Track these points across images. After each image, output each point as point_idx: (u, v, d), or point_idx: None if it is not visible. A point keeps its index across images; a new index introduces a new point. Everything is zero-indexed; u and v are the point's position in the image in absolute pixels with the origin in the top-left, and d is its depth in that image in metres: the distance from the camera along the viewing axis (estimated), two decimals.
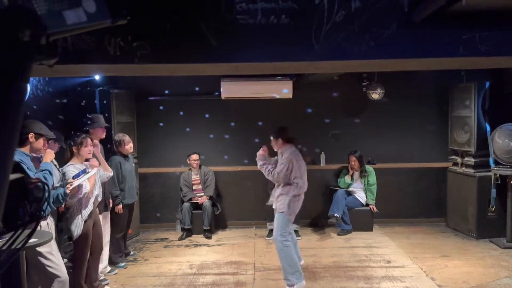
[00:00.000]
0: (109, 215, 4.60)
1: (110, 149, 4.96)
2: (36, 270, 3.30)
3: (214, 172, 6.28)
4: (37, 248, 3.09)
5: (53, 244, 3.30)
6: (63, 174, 3.70)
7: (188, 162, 6.13)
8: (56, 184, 3.55)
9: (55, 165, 3.45)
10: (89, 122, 4.46)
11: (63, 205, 3.78)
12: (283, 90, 5.80)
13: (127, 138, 4.91)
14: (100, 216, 4.32)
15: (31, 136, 3.17)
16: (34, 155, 3.31)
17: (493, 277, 4.41)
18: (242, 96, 5.91)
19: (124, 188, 4.81)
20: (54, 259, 3.30)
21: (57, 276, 3.28)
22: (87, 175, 3.78)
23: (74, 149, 3.83)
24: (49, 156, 3.32)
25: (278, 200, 4.20)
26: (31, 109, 4.46)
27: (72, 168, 3.73)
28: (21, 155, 3.12)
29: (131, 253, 5.31)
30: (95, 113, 5.12)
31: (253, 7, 1.94)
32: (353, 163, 6.09)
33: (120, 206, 4.71)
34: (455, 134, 5.93)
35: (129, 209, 4.96)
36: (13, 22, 0.95)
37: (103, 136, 4.53)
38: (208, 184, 6.14)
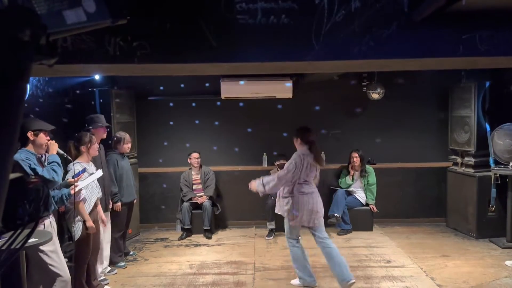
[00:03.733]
0: (109, 215, 4.60)
1: (109, 146, 4.97)
2: (38, 269, 3.29)
3: (214, 172, 6.28)
4: (41, 247, 3.09)
5: (56, 243, 3.30)
6: (67, 172, 3.70)
7: (189, 161, 6.12)
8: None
9: (62, 154, 3.40)
10: (91, 121, 4.46)
11: (63, 206, 3.78)
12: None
13: (127, 137, 4.91)
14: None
15: (30, 134, 3.16)
16: (38, 155, 3.29)
17: (493, 277, 4.41)
18: (242, 96, 5.91)
19: (121, 186, 4.80)
20: (57, 259, 3.29)
21: (59, 276, 3.28)
22: (93, 177, 3.77)
23: (83, 148, 3.84)
24: (53, 147, 3.28)
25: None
26: (31, 109, 4.46)
27: (78, 166, 3.75)
28: (26, 153, 3.12)
29: (131, 252, 5.30)
30: (95, 113, 5.12)
31: (253, 7, 1.95)
32: (355, 159, 6.08)
33: (119, 204, 4.69)
34: (455, 134, 5.93)
35: (128, 207, 4.95)
36: (13, 22, 0.94)
37: (104, 136, 4.54)
38: (209, 184, 6.14)
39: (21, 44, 0.95)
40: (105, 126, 4.51)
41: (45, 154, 3.36)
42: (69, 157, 3.52)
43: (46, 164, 3.29)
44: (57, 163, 3.17)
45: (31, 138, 3.17)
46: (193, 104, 6.40)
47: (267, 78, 5.74)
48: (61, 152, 3.36)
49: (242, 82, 5.70)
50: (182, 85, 6.30)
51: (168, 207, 6.49)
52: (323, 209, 4.28)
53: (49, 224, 3.35)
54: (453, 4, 1.76)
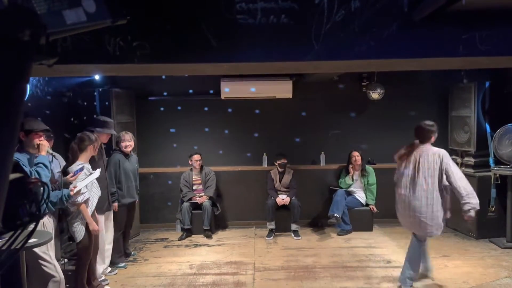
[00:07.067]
0: (111, 214, 4.59)
1: (111, 147, 4.97)
2: (30, 270, 3.26)
3: (215, 173, 6.27)
4: (33, 249, 3.07)
5: (48, 244, 3.25)
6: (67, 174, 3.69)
7: (190, 163, 6.12)
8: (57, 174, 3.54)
9: (51, 153, 3.37)
10: (98, 123, 4.43)
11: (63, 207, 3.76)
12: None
13: (126, 136, 4.87)
14: (103, 216, 4.32)
15: (21, 135, 3.15)
16: (36, 154, 3.27)
17: (493, 277, 4.41)
18: (242, 96, 5.91)
19: (121, 187, 4.78)
20: (49, 259, 3.27)
21: (52, 276, 3.26)
22: (92, 177, 3.76)
23: (84, 148, 3.82)
24: (43, 148, 3.23)
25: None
26: (30, 109, 4.46)
27: (77, 167, 3.74)
28: (16, 154, 3.09)
29: (132, 253, 5.29)
30: (94, 113, 5.11)
31: (253, 7, 1.95)
32: (356, 158, 6.07)
33: (116, 204, 4.67)
34: (455, 134, 5.92)
35: (127, 208, 4.94)
36: (13, 22, 0.94)
37: (106, 141, 4.51)
38: (209, 185, 6.13)
39: (21, 44, 0.95)
40: (108, 134, 4.47)
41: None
42: (56, 158, 3.48)
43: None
44: (43, 165, 3.11)
45: (22, 138, 3.15)
46: (193, 104, 6.39)
47: (267, 78, 5.74)
48: (50, 151, 3.32)
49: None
50: (182, 85, 6.30)
51: (168, 207, 6.49)
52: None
53: (42, 224, 3.32)
54: (453, 4, 1.76)
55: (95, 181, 3.88)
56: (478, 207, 3.67)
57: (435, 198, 3.73)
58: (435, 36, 2.00)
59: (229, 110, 6.36)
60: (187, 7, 1.96)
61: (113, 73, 4.02)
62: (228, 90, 5.81)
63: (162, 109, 6.38)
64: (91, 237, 3.82)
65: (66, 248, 4.77)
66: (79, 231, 3.74)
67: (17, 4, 1.07)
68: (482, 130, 5.57)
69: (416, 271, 4.06)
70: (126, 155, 4.89)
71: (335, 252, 5.25)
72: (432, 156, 3.78)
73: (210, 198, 6.05)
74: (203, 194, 6.09)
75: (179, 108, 6.38)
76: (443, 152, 3.80)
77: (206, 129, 6.45)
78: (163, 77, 6.05)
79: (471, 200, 3.65)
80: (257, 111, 6.36)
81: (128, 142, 4.87)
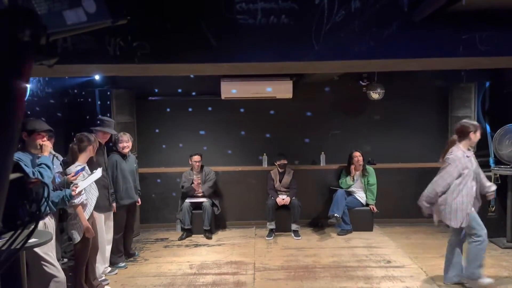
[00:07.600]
0: (112, 214, 4.58)
1: (111, 147, 4.97)
2: (32, 270, 3.26)
3: (215, 172, 6.27)
4: (34, 249, 3.06)
5: (49, 244, 3.24)
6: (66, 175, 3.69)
7: (190, 163, 6.12)
8: (57, 176, 3.54)
9: (54, 154, 3.36)
10: (97, 122, 4.42)
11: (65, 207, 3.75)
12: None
13: (124, 137, 4.85)
14: (103, 215, 4.31)
15: (24, 135, 3.15)
16: (39, 155, 3.27)
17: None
18: (242, 96, 5.91)
19: (119, 189, 4.77)
20: (51, 260, 3.27)
21: (54, 277, 3.26)
22: (93, 178, 3.75)
23: (90, 148, 3.82)
24: (45, 149, 3.23)
25: None
26: (31, 109, 4.46)
27: (77, 167, 3.74)
28: (18, 154, 3.09)
29: (136, 253, 5.27)
30: (94, 113, 5.11)
31: (253, 7, 1.95)
32: (358, 158, 6.07)
33: (114, 204, 4.66)
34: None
35: (127, 210, 4.94)
36: (13, 22, 0.95)
37: (102, 141, 4.48)
38: (207, 182, 6.11)
39: (21, 44, 0.95)
40: (106, 132, 4.44)
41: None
42: (58, 159, 3.47)
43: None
44: (46, 165, 3.11)
45: (25, 138, 3.15)
46: (193, 104, 6.40)
47: (267, 78, 5.75)
48: (53, 152, 3.33)
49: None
50: (182, 85, 6.31)
51: (168, 207, 6.49)
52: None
53: (43, 224, 3.32)
54: (453, 4, 1.77)
55: (93, 182, 3.87)
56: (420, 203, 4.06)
57: (455, 191, 3.95)
58: (435, 36, 2.00)
59: (230, 110, 6.36)
60: (187, 7, 1.96)
61: (113, 73, 4.02)
62: (229, 90, 5.81)
63: (162, 109, 6.38)
64: (88, 238, 3.81)
65: (66, 248, 4.77)
66: (77, 231, 3.73)
67: (17, 4, 1.07)
68: (482, 130, 5.57)
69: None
70: (124, 156, 4.89)
71: (335, 252, 5.25)
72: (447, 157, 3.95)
73: (210, 197, 6.04)
74: (202, 193, 6.09)
75: (179, 108, 6.38)
76: (452, 155, 3.92)
77: (207, 129, 6.44)
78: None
79: (421, 200, 4.08)
80: (257, 111, 6.36)
81: (126, 143, 4.86)
